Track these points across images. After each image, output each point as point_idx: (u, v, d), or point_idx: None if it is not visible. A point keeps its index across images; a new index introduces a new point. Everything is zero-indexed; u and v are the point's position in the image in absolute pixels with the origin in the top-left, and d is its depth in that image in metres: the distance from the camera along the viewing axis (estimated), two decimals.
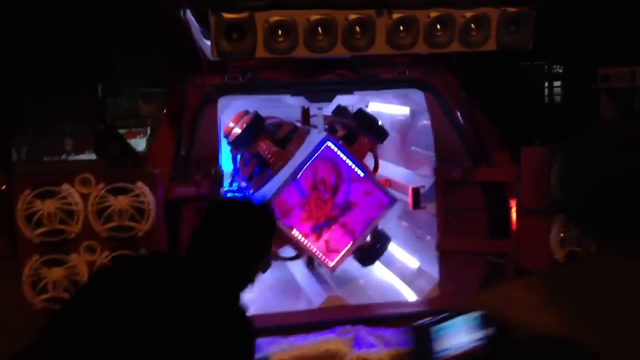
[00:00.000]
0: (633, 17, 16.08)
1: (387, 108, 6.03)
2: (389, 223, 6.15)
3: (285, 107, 5.71)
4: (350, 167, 5.20)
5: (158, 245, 4.10)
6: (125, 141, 9.17)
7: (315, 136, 5.19)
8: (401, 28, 3.91)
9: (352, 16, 3.86)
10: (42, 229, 3.94)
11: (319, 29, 3.84)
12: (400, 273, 5.77)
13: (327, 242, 5.32)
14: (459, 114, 5.07)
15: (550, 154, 4.57)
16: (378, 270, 5.87)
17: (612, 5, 16.51)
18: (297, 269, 5.73)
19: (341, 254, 5.24)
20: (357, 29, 3.85)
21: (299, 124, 5.58)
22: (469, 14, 4.01)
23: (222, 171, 4.85)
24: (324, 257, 5.21)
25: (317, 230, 5.30)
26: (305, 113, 5.69)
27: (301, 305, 5.20)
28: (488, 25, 4.05)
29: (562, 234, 4.62)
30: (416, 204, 5.31)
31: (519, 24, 4.10)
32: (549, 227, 4.60)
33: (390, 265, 5.95)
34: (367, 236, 5.36)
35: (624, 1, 16.34)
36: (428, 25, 3.97)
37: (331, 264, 5.22)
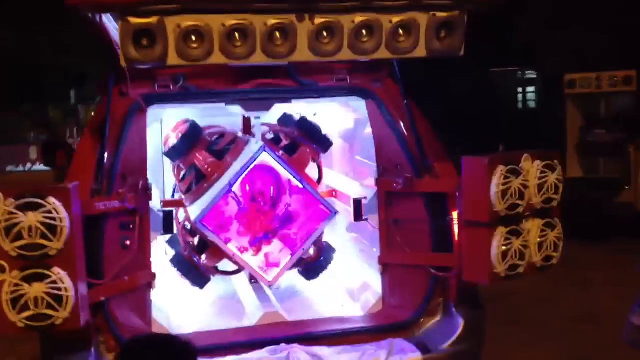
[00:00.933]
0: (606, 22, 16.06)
1: (334, 115, 5.84)
2: (337, 235, 5.97)
3: (233, 116, 5.52)
4: (289, 178, 5.00)
5: (73, 265, 3.88)
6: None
7: (254, 146, 5.00)
8: (324, 34, 3.73)
9: (272, 21, 3.67)
10: None
11: (236, 34, 3.65)
12: (347, 287, 5.57)
13: (267, 255, 5.11)
14: (401, 122, 4.89)
15: (492, 164, 4.40)
16: (324, 284, 5.67)
17: (587, 10, 16.49)
18: (241, 283, 5.52)
19: (280, 268, 5.03)
20: (277, 35, 3.66)
21: (240, 134, 5.38)
22: (396, 19, 3.83)
23: (150, 184, 4.64)
24: (261, 272, 5.00)
25: (256, 244, 5.10)
26: (246, 122, 5.49)
27: (238, 323, 4.99)
28: (417, 31, 3.87)
29: (503, 247, 4.45)
30: (358, 215, 5.12)
31: (449, 29, 3.92)
32: (490, 240, 4.44)
33: (336, 278, 5.75)
34: (307, 249, 5.15)
35: (598, 6, 16.32)
36: (353, 31, 3.78)
37: (269, 279, 5.01)
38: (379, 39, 3.82)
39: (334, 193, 5.66)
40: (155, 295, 5.19)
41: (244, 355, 4.36)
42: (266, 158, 4.90)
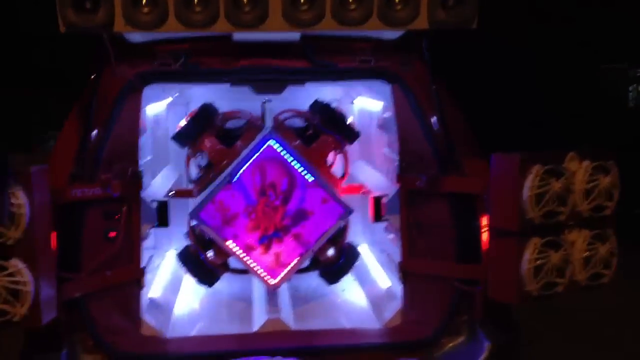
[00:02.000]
0: None
1: (372, 104, 5.26)
2: (375, 235, 5.41)
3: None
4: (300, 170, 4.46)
5: (33, 256, 3.49)
6: None
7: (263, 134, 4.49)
8: (301, 0, 3.15)
9: None
10: None
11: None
12: (372, 294, 4.99)
13: (277, 255, 4.59)
14: (429, 111, 4.24)
15: (526, 163, 3.72)
16: (348, 289, 5.12)
17: None
18: (258, 283, 5.05)
19: (285, 271, 4.51)
20: (245, 0, 3.11)
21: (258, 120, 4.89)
22: None
23: (140, 171, 4.21)
24: (264, 273, 4.49)
25: (265, 242, 4.59)
26: (264, 106, 5.00)
27: (239, 328, 4.50)
28: None
29: (537, 261, 3.75)
30: (377, 215, 4.52)
31: None
32: (520, 253, 3.75)
33: (363, 284, 5.18)
34: (315, 251, 4.60)
35: None
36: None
37: (273, 282, 4.50)
38: (368, 7, 3.22)
39: (361, 188, 5.10)
40: (157, 293, 4.82)
41: None
42: (272, 147, 4.38)
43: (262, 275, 4.47)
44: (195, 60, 4.23)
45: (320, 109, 4.83)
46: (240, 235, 4.55)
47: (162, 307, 4.71)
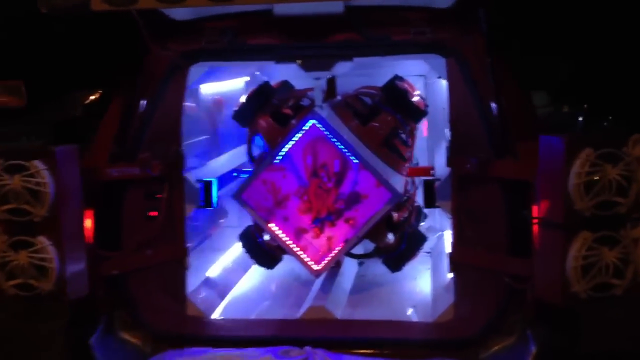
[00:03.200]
0: None
1: None
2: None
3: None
4: (345, 151, 4.22)
5: (58, 234, 3.58)
6: None
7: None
8: None
9: None
10: None
11: None
12: (437, 284, 4.67)
13: (329, 239, 4.39)
14: (484, 88, 3.84)
15: (574, 145, 3.25)
16: (421, 277, 4.84)
17: None
18: None
19: (329, 257, 4.30)
20: None
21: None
22: None
23: (182, 151, 4.18)
24: (308, 259, 4.32)
25: (318, 225, 4.40)
26: (330, 83, 4.80)
27: (285, 313, 4.38)
28: None
29: (585, 259, 3.29)
30: (429, 201, 4.19)
31: None
32: (567, 248, 3.30)
33: (435, 273, 4.87)
34: (361, 237, 4.35)
35: None
36: None
37: (316, 268, 4.32)
38: None
39: (431, 170, 4.76)
40: (216, 272, 4.83)
41: (246, 350, 3.77)
42: (316, 127, 4.18)
43: (306, 260, 4.31)
44: (242, 37, 4.14)
45: (385, 86, 4.56)
46: (292, 218, 4.40)
47: (219, 287, 4.71)
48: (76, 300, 3.70)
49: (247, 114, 4.56)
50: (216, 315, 4.42)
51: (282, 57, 4.20)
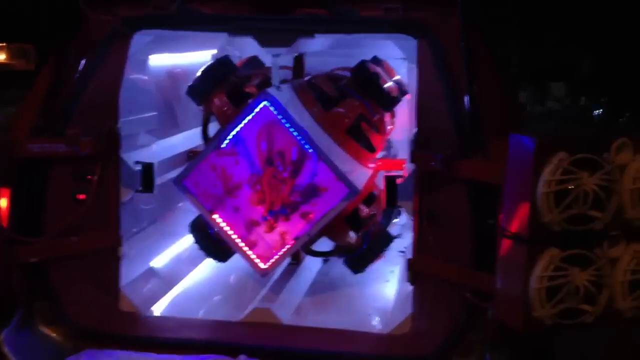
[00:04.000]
0: None
1: None
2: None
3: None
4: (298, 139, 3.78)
5: None
6: None
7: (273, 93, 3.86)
8: None
9: None
10: None
11: None
12: (403, 291, 4.23)
13: (282, 235, 3.96)
14: (456, 76, 3.38)
15: (545, 148, 2.79)
16: (392, 281, 4.43)
17: None
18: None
19: (276, 257, 3.88)
20: None
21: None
22: None
23: (118, 128, 3.76)
24: (254, 256, 3.90)
25: (271, 219, 3.98)
26: (297, 61, 4.36)
27: (225, 314, 3.97)
28: None
29: (551, 280, 2.84)
30: (389, 199, 3.75)
31: None
32: (531, 267, 2.85)
33: (403, 278, 4.43)
34: (314, 235, 3.92)
35: None
36: None
37: (263, 267, 3.89)
38: None
39: (404, 164, 4.30)
40: (161, 263, 4.44)
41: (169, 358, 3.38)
42: (268, 109, 3.74)
43: (252, 258, 3.89)
44: (192, 4, 3.71)
45: (355, 67, 4.11)
46: (243, 209, 3.97)
47: (164, 279, 4.31)
48: None
49: (201, 90, 4.13)
50: (157, 311, 4.02)
51: (236, 29, 3.76)
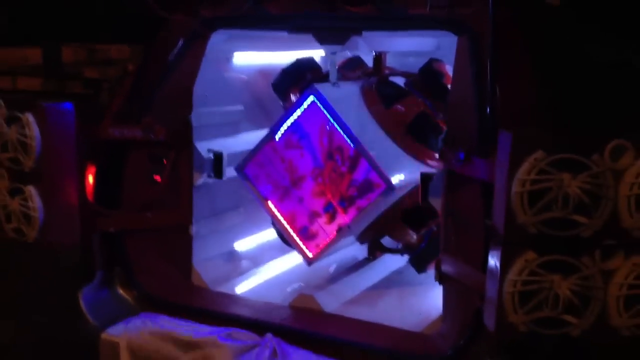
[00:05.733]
0: None
1: None
2: None
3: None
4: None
5: (44, 185, 3.77)
6: None
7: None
8: None
9: None
10: None
11: None
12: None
13: (340, 227, 4.12)
14: (487, 73, 3.30)
15: (522, 145, 2.69)
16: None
17: None
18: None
19: (321, 247, 4.01)
20: None
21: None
22: None
23: (190, 119, 4.15)
24: (302, 245, 4.06)
25: (331, 211, 4.14)
26: (377, 60, 4.46)
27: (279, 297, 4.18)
28: None
29: (522, 286, 2.70)
30: (423, 197, 3.71)
31: None
32: (506, 269, 2.74)
33: None
34: (355, 228, 3.98)
35: None
36: None
37: (310, 255, 4.05)
38: None
39: None
40: (248, 246, 4.77)
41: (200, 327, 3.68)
42: (316, 105, 3.90)
43: (300, 246, 4.07)
44: (262, 4, 4.00)
45: (424, 66, 4.14)
46: (307, 199, 4.19)
47: (245, 261, 4.63)
48: (66, 251, 3.91)
49: (281, 87, 4.42)
50: (225, 289, 4.35)
51: (295, 27, 3.98)
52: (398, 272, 4.65)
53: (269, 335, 3.62)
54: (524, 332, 2.73)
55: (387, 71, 4.53)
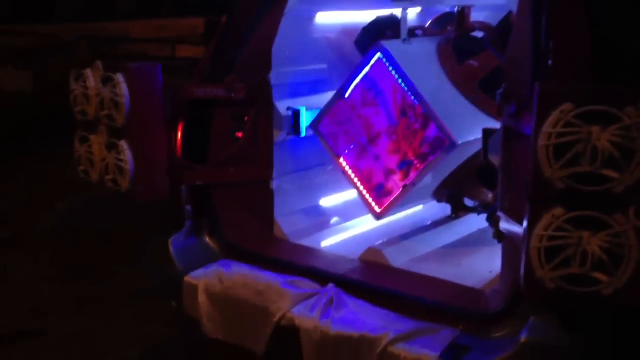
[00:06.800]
0: None
1: None
2: None
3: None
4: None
5: (134, 140, 4.11)
6: None
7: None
8: None
9: None
10: None
11: None
12: None
13: (405, 184, 4.15)
14: (542, 24, 3.19)
15: (549, 98, 2.62)
16: None
17: None
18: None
19: (389, 201, 4.05)
20: None
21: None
22: None
23: (268, 80, 4.31)
24: (371, 200, 4.13)
25: (404, 168, 4.18)
26: (460, 15, 4.39)
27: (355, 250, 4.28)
28: None
29: (549, 241, 2.65)
30: (485, 152, 3.64)
31: None
32: (533, 226, 2.70)
33: None
34: (417, 183, 3.96)
35: None
36: None
37: (378, 210, 4.10)
38: None
39: None
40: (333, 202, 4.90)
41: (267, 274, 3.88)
42: (382, 62, 3.92)
43: (369, 201, 4.14)
44: None
45: (502, 20, 4.04)
46: (382, 157, 4.25)
47: (328, 217, 4.77)
48: (156, 201, 4.26)
49: (362, 44, 4.48)
50: (313, 243, 4.50)
51: None
52: (483, 231, 4.60)
53: (330, 285, 3.76)
54: (552, 289, 2.68)
55: (477, 25, 4.45)
